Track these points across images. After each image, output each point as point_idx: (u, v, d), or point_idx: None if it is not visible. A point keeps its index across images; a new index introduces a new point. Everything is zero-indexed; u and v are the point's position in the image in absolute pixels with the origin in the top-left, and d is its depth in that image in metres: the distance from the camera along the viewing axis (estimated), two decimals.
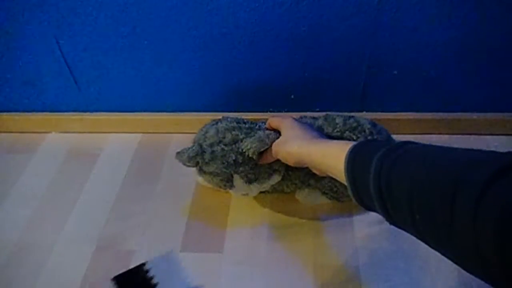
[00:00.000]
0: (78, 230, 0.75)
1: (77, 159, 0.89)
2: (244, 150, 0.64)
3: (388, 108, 0.86)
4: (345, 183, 0.46)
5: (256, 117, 0.80)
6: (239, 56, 0.79)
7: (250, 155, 0.64)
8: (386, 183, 0.38)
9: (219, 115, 0.89)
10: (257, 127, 0.69)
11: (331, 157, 0.49)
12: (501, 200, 0.28)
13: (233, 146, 0.65)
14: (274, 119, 0.66)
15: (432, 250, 0.69)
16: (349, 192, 0.45)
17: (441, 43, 0.74)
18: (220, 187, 0.68)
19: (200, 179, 0.73)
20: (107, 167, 0.87)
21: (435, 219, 0.33)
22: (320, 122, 0.70)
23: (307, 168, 0.61)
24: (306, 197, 0.74)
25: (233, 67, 0.81)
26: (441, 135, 0.87)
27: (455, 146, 0.43)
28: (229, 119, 0.69)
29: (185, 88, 0.86)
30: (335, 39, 0.75)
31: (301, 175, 0.71)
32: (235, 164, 0.65)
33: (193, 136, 0.91)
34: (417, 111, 0.86)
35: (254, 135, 0.65)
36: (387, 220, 0.41)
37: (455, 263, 0.34)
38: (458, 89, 0.82)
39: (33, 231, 0.75)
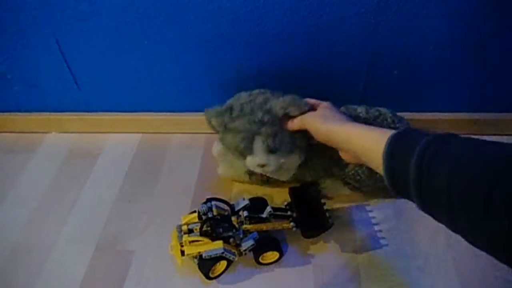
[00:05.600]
0: (78, 230, 0.75)
1: (77, 159, 0.89)
2: (273, 106, 0.64)
3: (388, 108, 0.85)
4: (378, 168, 0.46)
5: None
6: (239, 56, 0.79)
7: (278, 111, 0.63)
8: (428, 168, 0.39)
9: None
10: None
11: (372, 139, 0.48)
12: None
13: (263, 105, 0.65)
14: (311, 99, 0.66)
15: (432, 250, 0.69)
16: (384, 174, 0.45)
17: (441, 43, 0.74)
18: (240, 151, 0.66)
19: (226, 169, 0.76)
20: (107, 167, 0.87)
21: (472, 202, 0.35)
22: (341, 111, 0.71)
23: (331, 154, 0.62)
24: (329, 188, 0.75)
25: (233, 67, 0.81)
26: None
27: None
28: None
29: (185, 88, 0.86)
30: (335, 39, 0.75)
31: (325, 163, 0.70)
32: (260, 122, 0.64)
33: (192, 136, 0.92)
34: (417, 111, 0.86)
35: (283, 96, 0.65)
36: (418, 204, 0.41)
37: (480, 247, 0.37)
38: (458, 89, 0.82)
39: (33, 231, 0.75)
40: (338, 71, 0.80)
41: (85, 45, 0.79)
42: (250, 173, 0.75)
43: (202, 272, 0.64)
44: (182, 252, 0.64)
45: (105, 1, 0.72)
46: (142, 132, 0.94)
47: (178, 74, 0.83)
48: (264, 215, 0.68)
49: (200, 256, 0.63)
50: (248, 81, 0.83)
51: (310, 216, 0.68)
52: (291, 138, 0.65)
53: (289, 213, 0.70)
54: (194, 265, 0.65)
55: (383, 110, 0.72)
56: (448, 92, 0.83)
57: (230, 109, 0.66)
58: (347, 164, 0.64)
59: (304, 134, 0.64)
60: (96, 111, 0.92)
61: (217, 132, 0.69)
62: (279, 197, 0.77)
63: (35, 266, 0.69)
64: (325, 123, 0.58)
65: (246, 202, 0.68)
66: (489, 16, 0.70)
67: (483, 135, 0.87)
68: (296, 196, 0.72)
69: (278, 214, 0.69)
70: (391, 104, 0.85)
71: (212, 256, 0.62)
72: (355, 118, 0.67)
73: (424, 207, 0.41)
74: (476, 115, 0.86)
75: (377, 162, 0.46)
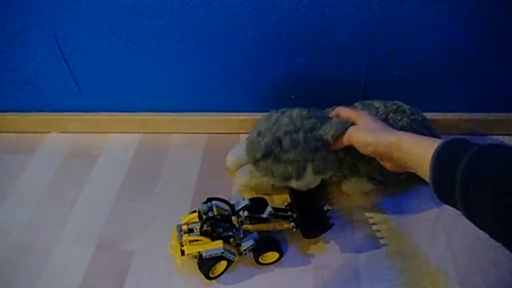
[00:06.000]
0: (78, 230, 0.75)
1: (77, 159, 0.89)
2: (324, 135, 0.63)
3: None
4: (425, 175, 0.48)
5: (256, 117, 0.80)
6: (239, 56, 0.79)
7: (329, 139, 0.63)
8: (475, 178, 0.40)
9: (219, 115, 0.90)
10: (326, 115, 0.68)
11: (423, 146, 0.50)
12: None
13: (312, 132, 0.64)
14: (346, 109, 0.66)
15: (432, 250, 0.69)
16: (430, 182, 0.46)
17: (441, 43, 0.74)
18: (287, 178, 0.66)
19: (247, 180, 0.75)
20: (107, 167, 0.87)
21: None
22: (359, 108, 0.71)
23: (356, 152, 0.62)
24: (353, 187, 0.75)
25: (233, 67, 0.81)
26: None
27: None
28: (296, 110, 0.67)
29: (185, 88, 0.86)
30: (335, 39, 0.75)
31: (350, 161, 0.70)
32: (313, 150, 0.63)
33: (193, 136, 0.92)
34: None
35: (330, 122, 0.65)
36: (464, 212, 0.42)
37: None
38: (458, 89, 0.82)
39: (33, 231, 0.75)
40: (338, 71, 0.80)
41: (85, 45, 0.79)
42: None
43: (202, 272, 0.64)
44: (182, 252, 0.64)
45: (105, 1, 0.72)
46: (142, 132, 0.94)
47: (178, 74, 0.83)
48: (264, 215, 0.68)
49: (200, 256, 0.63)
50: (248, 81, 0.83)
51: (310, 217, 0.68)
52: (336, 156, 0.66)
53: (289, 213, 0.70)
54: (194, 265, 0.65)
55: (399, 103, 0.73)
56: (448, 92, 0.83)
57: (279, 140, 0.64)
58: (372, 159, 0.64)
59: (343, 148, 0.65)
60: (96, 111, 0.92)
61: (256, 162, 0.67)
62: (280, 197, 0.77)
63: (35, 266, 0.69)
64: (373, 135, 0.58)
65: (247, 202, 0.68)
66: (489, 16, 0.70)
67: (483, 135, 0.87)
68: (296, 197, 0.72)
69: (278, 214, 0.69)
70: None
71: (212, 256, 0.62)
72: (375, 113, 0.68)
73: (469, 215, 0.42)
74: (476, 115, 0.86)
75: (425, 169, 0.47)
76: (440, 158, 0.46)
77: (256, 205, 0.69)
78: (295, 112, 0.66)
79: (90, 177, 0.85)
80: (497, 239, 0.40)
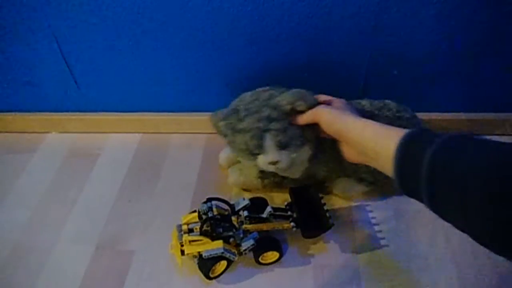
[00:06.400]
0: (78, 230, 0.75)
1: (77, 159, 0.89)
2: (279, 102, 0.63)
3: None
4: (384, 166, 0.47)
5: None
6: (239, 56, 0.79)
7: (284, 107, 0.63)
8: (442, 169, 0.39)
9: None
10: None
11: (386, 135, 0.48)
12: None
13: (268, 101, 0.64)
14: (324, 95, 0.66)
15: (432, 250, 0.69)
16: (393, 173, 0.45)
17: (441, 43, 0.74)
18: (251, 151, 0.65)
19: (237, 177, 0.76)
20: (107, 167, 0.87)
21: (489, 202, 0.35)
22: None
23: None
24: (343, 188, 0.75)
25: (233, 67, 0.81)
26: None
27: None
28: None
29: (185, 88, 0.86)
30: (335, 40, 0.75)
31: (338, 157, 0.68)
32: (268, 119, 0.63)
33: (193, 136, 0.92)
34: (417, 111, 0.85)
35: (288, 91, 0.64)
36: (428, 204, 0.41)
37: (493, 248, 0.36)
38: (458, 89, 0.82)
39: (33, 231, 0.75)
40: (338, 72, 0.80)
41: (85, 45, 0.79)
42: (263, 177, 0.75)
43: (202, 272, 0.64)
44: (182, 252, 0.64)
45: (105, 1, 0.72)
46: (142, 132, 0.94)
47: (178, 74, 0.83)
48: (264, 215, 0.68)
49: (200, 256, 0.63)
50: (249, 80, 0.83)
51: (310, 217, 0.68)
52: (301, 132, 0.65)
53: (289, 213, 0.70)
54: (194, 265, 0.65)
55: (387, 101, 0.73)
56: (447, 92, 0.83)
57: (236, 110, 0.65)
58: None
59: (313, 127, 0.64)
60: (96, 111, 0.92)
61: (225, 137, 0.69)
62: (279, 197, 0.77)
63: (35, 266, 0.69)
64: (339, 117, 0.57)
65: (247, 202, 0.68)
66: (488, 16, 0.70)
67: (482, 135, 0.87)
68: (296, 196, 0.72)
69: (278, 214, 0.69)
70: None
71: (212, 255, 0.62)
72: (361, 111, 0.67)
73: (435, 208, 0.41)
74: (475, 115, 0.86)
75: (386, 161, 0.46)
76: (404, 149, 0.44)
77: (256, 205, 0.69)
78: (259, 88, 0.68)
79: (90, 177, 0.85)
80: (464, 231, 0.38)
